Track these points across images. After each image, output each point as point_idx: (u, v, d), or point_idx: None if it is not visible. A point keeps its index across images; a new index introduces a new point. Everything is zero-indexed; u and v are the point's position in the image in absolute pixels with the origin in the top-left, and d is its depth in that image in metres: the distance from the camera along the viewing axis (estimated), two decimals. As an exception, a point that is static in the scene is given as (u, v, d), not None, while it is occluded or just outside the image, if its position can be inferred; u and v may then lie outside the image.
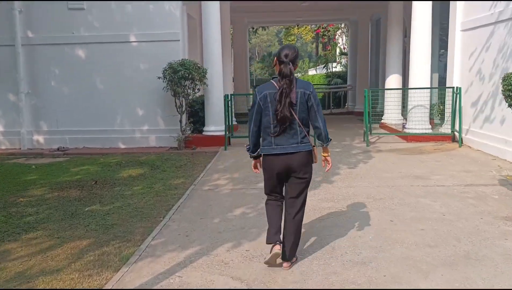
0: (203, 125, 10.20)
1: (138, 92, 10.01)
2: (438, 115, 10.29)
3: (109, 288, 3.41)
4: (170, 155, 8.98)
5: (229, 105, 9.90)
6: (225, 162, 8.19)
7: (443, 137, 9.62)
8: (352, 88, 17.97)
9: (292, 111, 3.39)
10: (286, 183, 3.62)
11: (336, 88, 19.75)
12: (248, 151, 3.70)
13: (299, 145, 3.47)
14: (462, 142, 9.06)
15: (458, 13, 9.37)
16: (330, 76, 22.27)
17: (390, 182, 6.36)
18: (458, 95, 9.14)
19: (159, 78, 9.38)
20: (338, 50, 23.57)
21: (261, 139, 3.60)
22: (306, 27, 36.00)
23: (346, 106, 18.90)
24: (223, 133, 9.70)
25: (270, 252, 3.52)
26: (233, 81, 18.46)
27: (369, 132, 9.73)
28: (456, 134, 9.38)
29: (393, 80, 12.11)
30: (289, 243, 3.57)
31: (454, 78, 9.60)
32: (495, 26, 8.08)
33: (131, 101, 10.07)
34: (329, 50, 24.47)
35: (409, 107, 9.92)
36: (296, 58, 3.45)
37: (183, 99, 9.57)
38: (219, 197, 5.89)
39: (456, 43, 9.50)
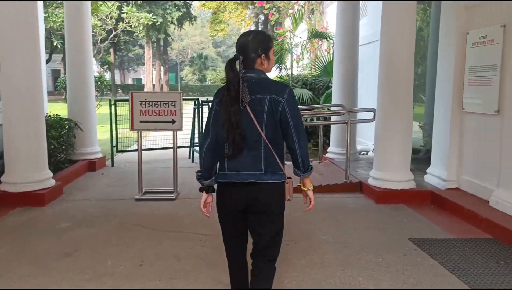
0: None
1: None
2: None
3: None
4: None
5: None
6: None
7: None
8: (344, 113, 6.70)
9: (257, 124, 2.38)
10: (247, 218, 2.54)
11: (313, 113, 8.33)
12: (198, 179, 2.56)
13: (263, 174, 2.42)
14: None
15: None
16: (288, 83, 10.42)
17: None
18: None
19: None
20: (307, 33, 11.73)
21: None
22: (242, 11, 24.12)
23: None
24: None
25: None
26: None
27: None
28: None
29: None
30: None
31: None
32: None
33: None
34: (281, 31, 12.47)
35: None
36: (260, 47, 2.40)
37: None
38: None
39: None
